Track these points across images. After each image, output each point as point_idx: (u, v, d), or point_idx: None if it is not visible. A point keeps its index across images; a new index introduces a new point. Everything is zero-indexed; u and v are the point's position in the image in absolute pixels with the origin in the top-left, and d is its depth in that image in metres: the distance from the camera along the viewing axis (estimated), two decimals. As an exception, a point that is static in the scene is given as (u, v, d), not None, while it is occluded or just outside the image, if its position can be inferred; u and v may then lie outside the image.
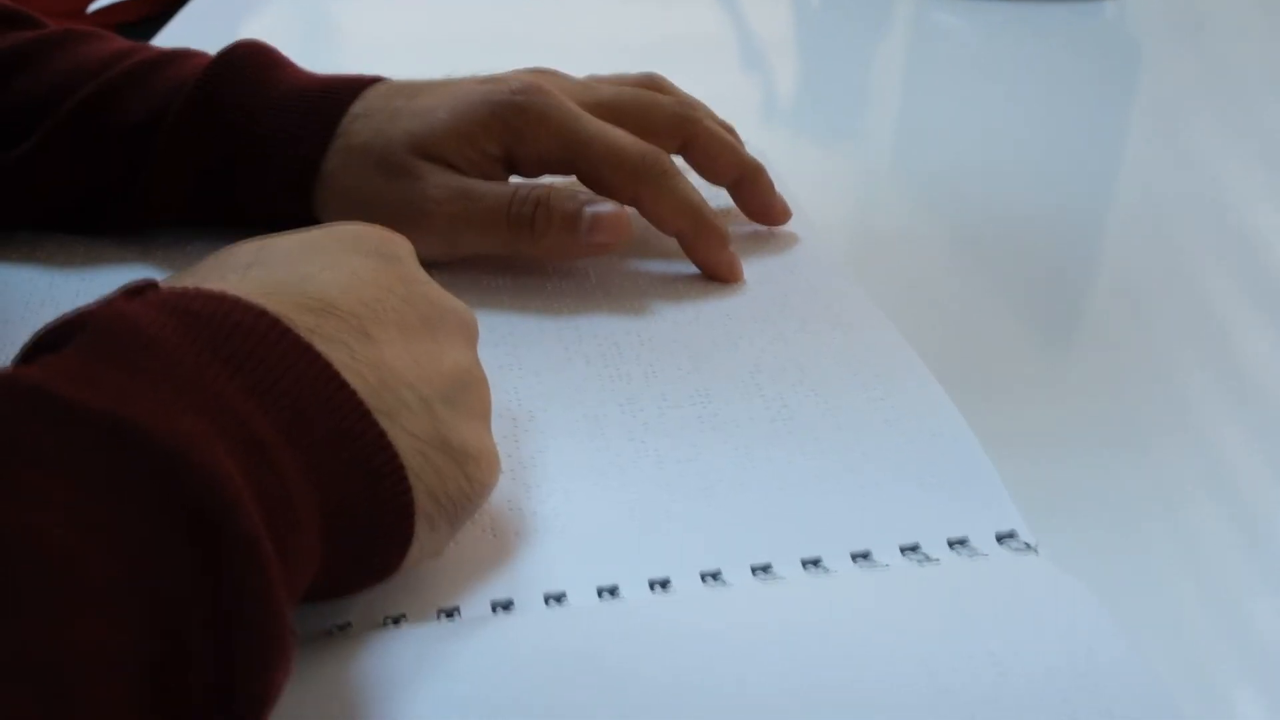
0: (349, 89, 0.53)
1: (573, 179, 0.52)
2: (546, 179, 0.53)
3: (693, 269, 0.52)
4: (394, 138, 0.51)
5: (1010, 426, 0.44)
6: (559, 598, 0.35)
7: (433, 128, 0.51)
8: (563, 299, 0.50)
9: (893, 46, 0.90)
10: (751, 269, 0.52)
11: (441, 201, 0.49)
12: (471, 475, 0.34)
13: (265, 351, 0.30)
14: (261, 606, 0.25)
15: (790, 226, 0.57)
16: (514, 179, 0.52)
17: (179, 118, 0.52)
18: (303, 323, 0.32)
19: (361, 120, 0.52)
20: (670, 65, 0.59)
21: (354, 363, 0.32)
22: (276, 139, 0.52)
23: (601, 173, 0.51)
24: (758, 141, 0.58)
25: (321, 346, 0.31)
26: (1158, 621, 0.36)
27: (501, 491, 0.38)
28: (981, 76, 0.82)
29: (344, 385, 0.31)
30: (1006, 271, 0.56)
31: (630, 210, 0.51)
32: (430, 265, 0.40)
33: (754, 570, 0.36)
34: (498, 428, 0.41)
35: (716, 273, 0.52)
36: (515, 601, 0.35)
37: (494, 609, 0.34)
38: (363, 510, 0.31)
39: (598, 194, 0.51)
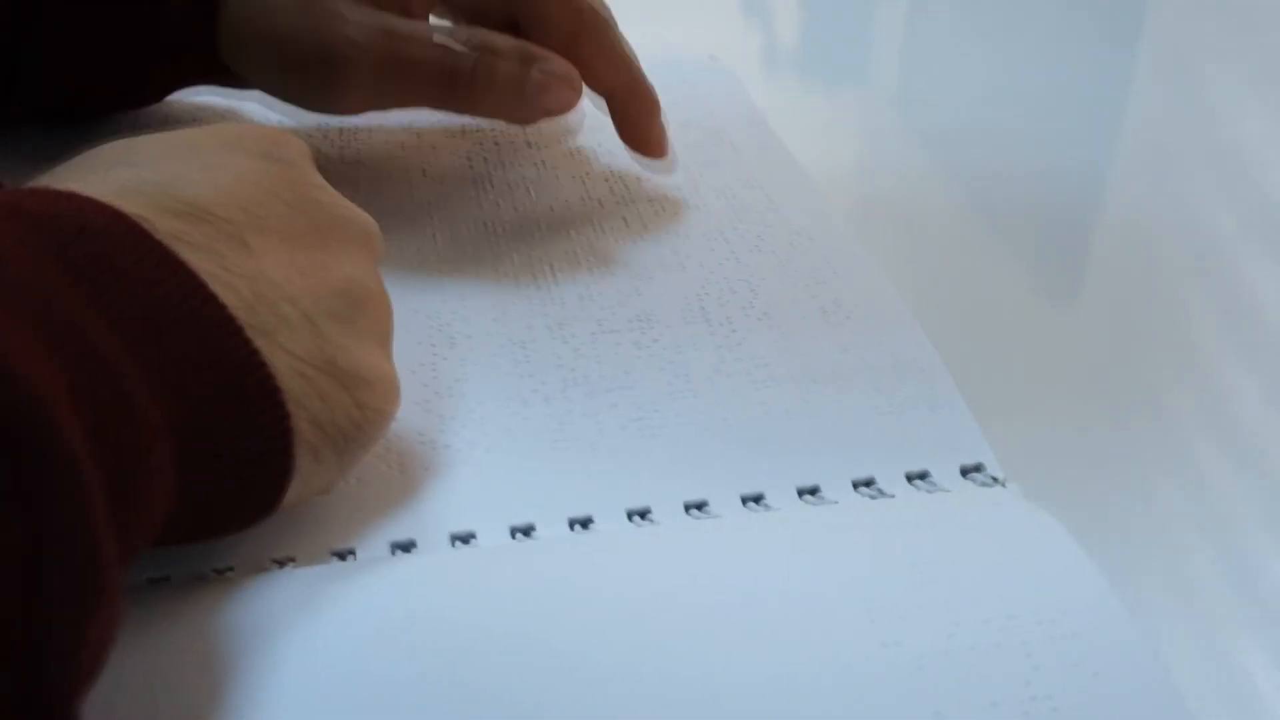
0: None
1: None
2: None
3: (641, 189, 0.49)
4: None
5: (1014, 380, 0.41)
6: (466, 538, 0.32)
7: None
8: (499, 219, 0.47)
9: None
10: (707, 184, 0.49)
11: (365, 48, 0.44)
12: (364, 402, 0.30)
13: (116, 257, 0.27)
14: (76, 540, 0.22)
15: (756, 140, 0.53)
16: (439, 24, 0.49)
17: None
18: (166, 227, 0.28)
19: None
20: (670, 12, 0.56)
21: (225, 273, 0.29)
22: None
23: (546, 11, 0.47)
24: (759, 90, 0.56)
25: (186, 254, 0.28)
26: (1167, 578, 0.33)
27: (411, 423, 0.35)
28: (986, 21, 0.78)
29: (211, 298, 0.28)
30: (1012, 220, 0.53)
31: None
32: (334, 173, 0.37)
33: (687, 508, 0.33)
34: (414, 354, 0.38)
35: (646, 143, 0.48)
36: (418, 542, 0.32)
37: (393, 550, 0.31)
38: (232, 438, 0.28)
39: (531, 35, 0.47)
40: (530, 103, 0.45)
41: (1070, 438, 0.39)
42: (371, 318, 0.32)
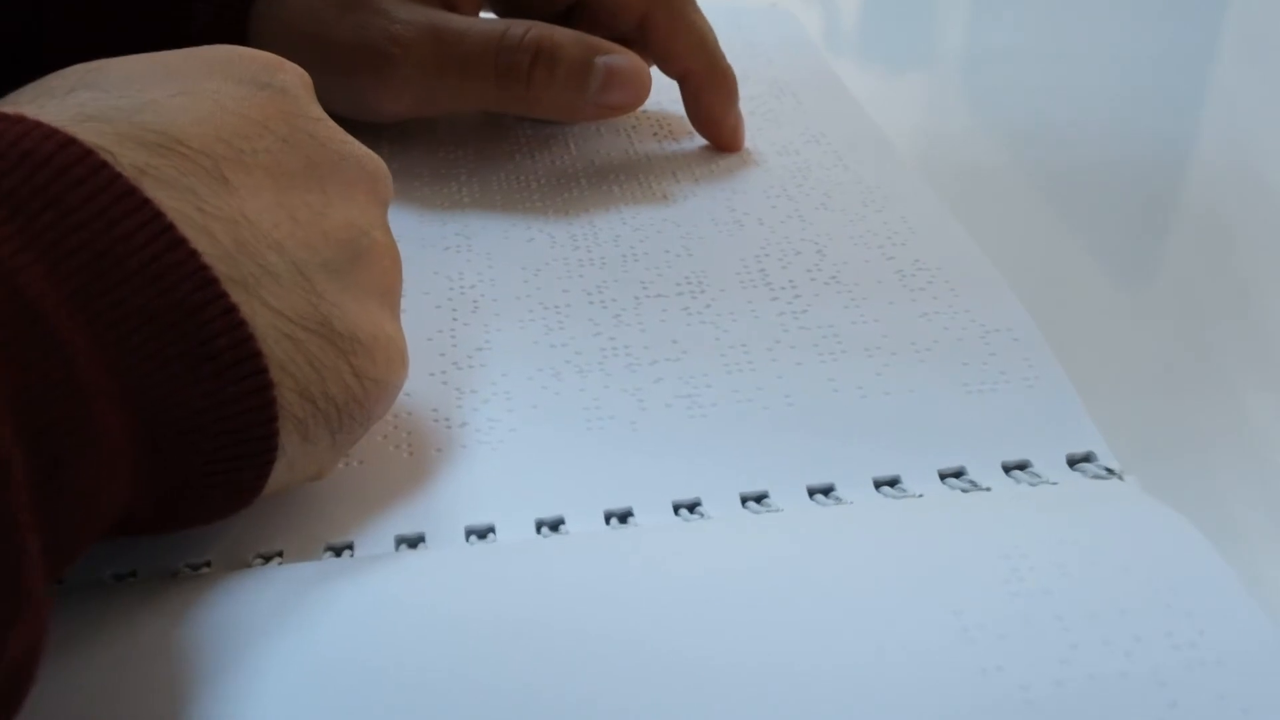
0: None
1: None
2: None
3: (693, 141, 0.44)
4: None
5: (1088, 358, 0.36)
6: (484, 532, 0.27)
7: None
8: (534, 171, 0.42)
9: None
10: (768, 140, 0.45)
11: (410, 44, 0.41)
12: (363, 370, 0.26)
13: (64, 191, 0.23)
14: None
15: (821, 91, 0.49)
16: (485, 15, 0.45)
17: None
18: (130, 159, 0.24)
19: None
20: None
21: (199, 215, 0.24)
22: None
23: None
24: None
25: (154, 191, 0.24)
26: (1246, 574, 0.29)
27: (424, 397, 0.31)
28: None
29: (180, 243, 0.24)
30: (1085, 202, 0.48)
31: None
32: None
33: (744, 500, 0.28)
34: (430, 320, 0.34)
35: (719, 133, 0.44)
36: (428, 536, 0.27)
37: (398, 545, 0.27)
38: (202, 412, 0.24)
39: (598, 19, 0.43)
40: (594, 100, 0.41)
41: (1140, 422, 0.34)
42: (375, 272, 0.28)
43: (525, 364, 0.32)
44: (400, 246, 0.37)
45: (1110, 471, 0.29)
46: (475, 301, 0.35)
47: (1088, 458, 0.29)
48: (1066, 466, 0.29)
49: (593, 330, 0.34)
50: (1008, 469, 0.29)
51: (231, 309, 0.24)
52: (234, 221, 0.25)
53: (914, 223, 0.39)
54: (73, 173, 0.23)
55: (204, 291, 0.24)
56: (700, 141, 0.44)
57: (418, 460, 0.29)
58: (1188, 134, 0.55)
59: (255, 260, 0.25)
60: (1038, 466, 0.29)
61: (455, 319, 0.34)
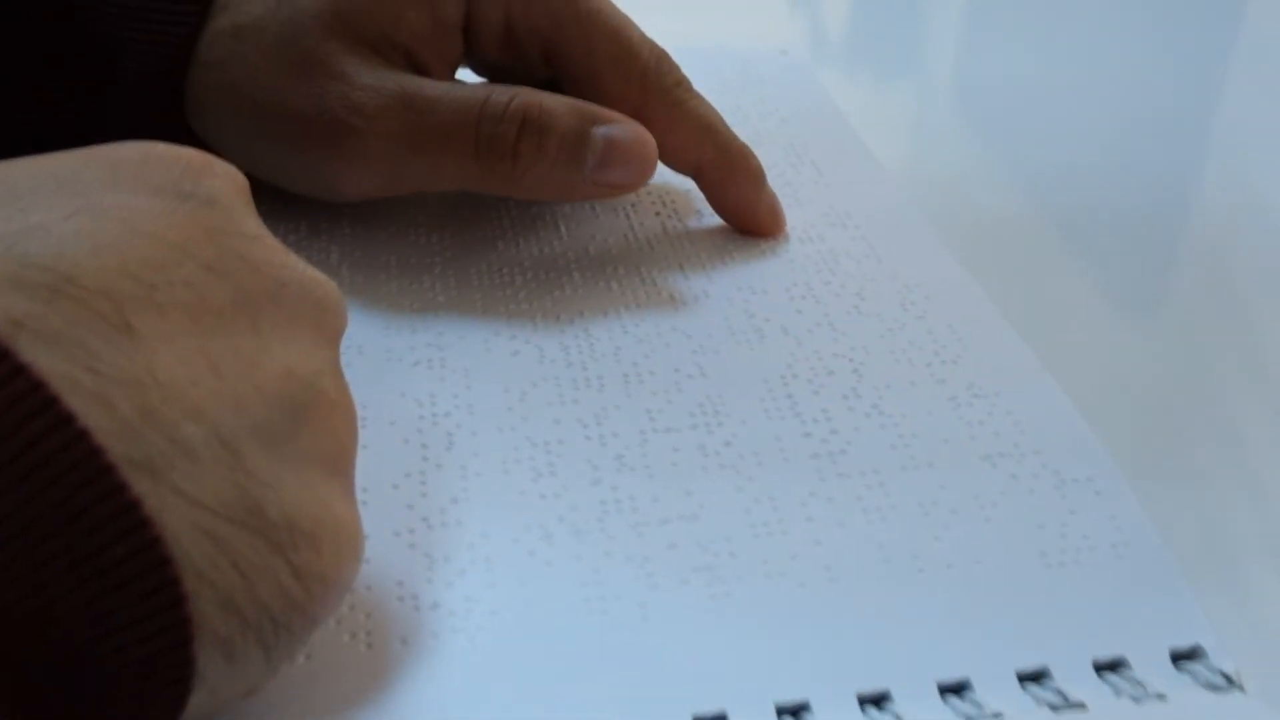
0: None
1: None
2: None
3: (702, 220, 0.40)
4: (302, 8, 0.37)
5: (1084, 402, 0.32)
6: (459, 760, 0.22)
7: None
8: (519, 264, 0.37)
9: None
10: (788, 222, 0.40)
11: (375, 114, 0.36)
12: (303, 568, 0.21)
13: (-89, 359, 0.18)
14: None
15: (845, 161, 0.44)
16: (465, 80, 0.40)
17: None
18: (5, 308, 0.19)
19: None
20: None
21: (93, 379, 0.19)
22: (135, 13, 0.38)
23: (600, 68, 0.38)
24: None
25: (33, 351, 0.19)
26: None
27: (387, 568, 0.26)
28: (1055, 7, 0.70)
29: (65, 421, 0.19)
30: (1082, 228, 0.45)
31: None
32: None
33: (780, 714, 0.23)
34: (398, 460, 0.29)
35: (754, 220, 0.39)
36: (388, 764, 0.22)
37: (351, 778, 0.22)
38: (94, 640, 0.19)
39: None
40: (591, 179, 0.36)
41: (1138, 464, 0.30)
42: (321, 433, 0.23)
43: (509, 521, 0.27)
44: (362, 359, 0.32)
45: (1228, 680, 0.24)
46: (450, 434, 0.30)
47: (1194, 652, 0.24)
48: (1171, 665, 0.24)
49: (591, 476, 0.28)
50: (1100, 668, 0.24)
51: (132, 505, 0.19)
52: (138, 384, 0.20)
53: (962, 332, 0.34)
54: (-75, 334, 0.18)
55: (96, 484, 0.19)
56: (711, 220, 0.40)
57: (378, 655, 0.24)
58: (1194, 165, 0.52)
59: (166, 434, 0.20)
60: (1137, 668, 0.24)
61: (426, 458, 0.29)
